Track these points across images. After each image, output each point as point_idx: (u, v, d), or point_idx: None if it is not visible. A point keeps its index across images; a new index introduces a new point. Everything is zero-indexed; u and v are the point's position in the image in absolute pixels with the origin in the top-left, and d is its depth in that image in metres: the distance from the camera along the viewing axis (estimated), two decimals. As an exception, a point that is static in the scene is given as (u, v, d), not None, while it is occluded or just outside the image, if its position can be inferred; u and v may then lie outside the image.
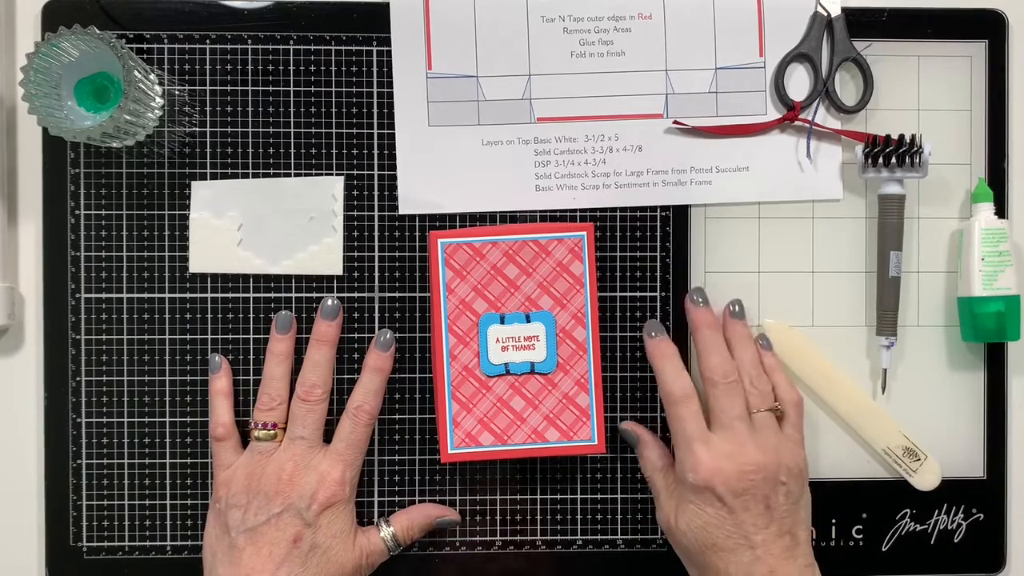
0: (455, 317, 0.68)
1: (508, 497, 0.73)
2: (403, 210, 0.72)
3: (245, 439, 0.70)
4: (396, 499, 0.72)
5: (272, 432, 0.68)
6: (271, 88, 0.72)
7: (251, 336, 0.72)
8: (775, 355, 0.72)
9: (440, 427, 0.69)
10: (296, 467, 0.66)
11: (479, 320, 0.68)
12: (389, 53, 0.72)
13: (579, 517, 0.73)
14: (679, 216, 0.73)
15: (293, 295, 0.72)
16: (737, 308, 0.71)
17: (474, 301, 0.68)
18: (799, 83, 0.73)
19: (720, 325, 0.71)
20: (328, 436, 0.69)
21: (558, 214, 0.73)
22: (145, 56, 0.71)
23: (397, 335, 0.72)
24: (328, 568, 0.66)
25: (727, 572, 0.64)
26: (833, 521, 0.74)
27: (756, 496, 0.64)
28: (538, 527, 0.73)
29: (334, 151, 0.72)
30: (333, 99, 0.72)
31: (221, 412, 0.70)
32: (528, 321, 0.68)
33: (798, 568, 0.65)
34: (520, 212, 0.72)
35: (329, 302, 0.70)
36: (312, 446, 0.68)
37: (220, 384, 0.70)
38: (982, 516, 0.74)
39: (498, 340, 0.68)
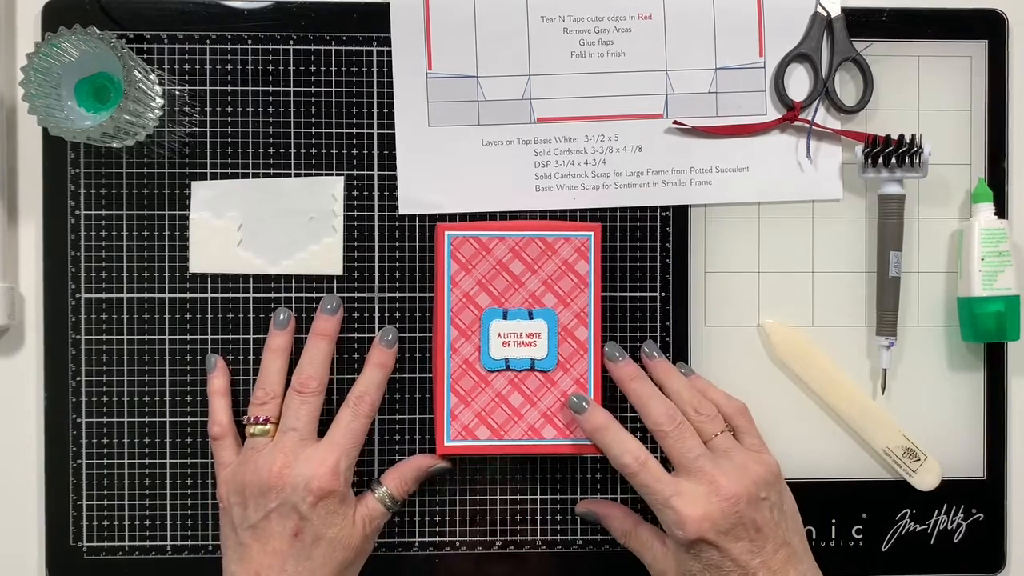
0: (458, 310, 0.68)
1: (508, 497, 0.73)
2: (403, 210, 0.72)
3: (245, 439, 0.70)
4: (396, 499, 0.72)
5: (266, 427, 0.68)
6: (271, 88, 0.72)
7: (251, 336, 0.72)
8: (699, 375, 0.72)
9: (437, 419, 0.69)
10: (287, 459, 0.66)
11: (482, 315, 0.68)
12: (389, 53, 0.72)
13: (579, 517, 0.73)
14: (679, 216, 0.73)
15: (293, 295, 0.72)
16: (650, 350, 0.71)
17: (478, 295, 0.68)
18: (799, 83, 0.73)
19: (644, 374, 0.69)
20: (323, 433, 0.69)
21: (558, 214, 0.73)
22: (145, 56, 0.71)
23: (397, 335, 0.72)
24: (335, 554, 0.65)
25: None
26: (833, 521, 0.74)
27: (745, 524, 0.63)
28: (538, 527, 0.73)
29: (334, 151, 0.72)
30: (333, 99, 0.72)
31: (218, 411, 0.69)
32: (531, 318, 0.68)
33: (800, 574, 0.64)
34: (520, 212, 0.72)
35: (330, 298, 0.70)
36: (304, 438, 0.67)
37: (217, 384, 0.70)
38: (982, 516, 0.74)
39: (500, 335, 0.68)
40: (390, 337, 0.71)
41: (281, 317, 0.70)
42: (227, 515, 0.67)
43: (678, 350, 0.73)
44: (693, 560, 0.64)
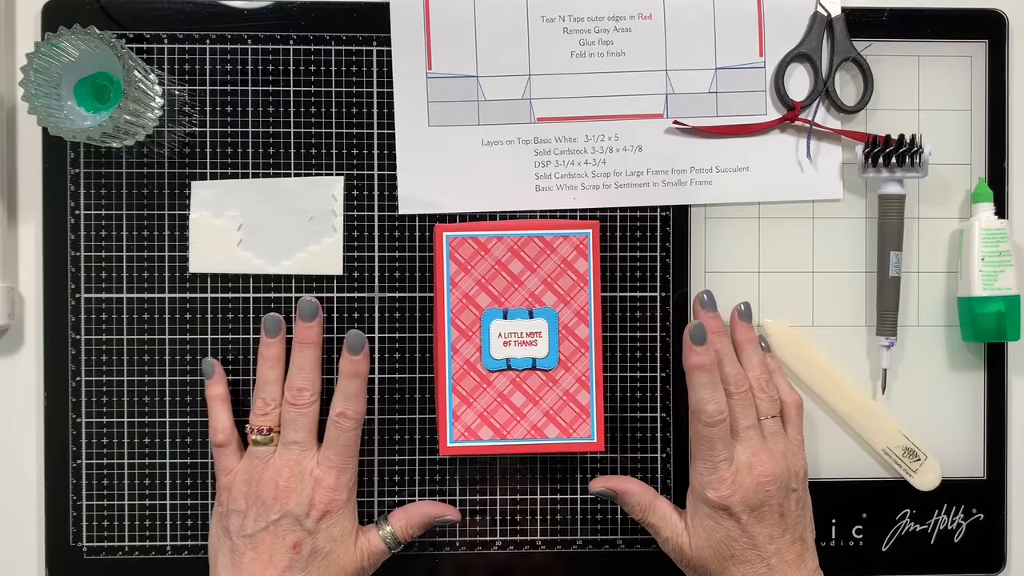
0: (458, 311, 0.68)
1: (508, 497, 0.73)
2: (403, 210, 0.72)
3: (246, 442, 0.70)
4: (396, 499, 0.72)
5: (269, 436, 0.68)
6: (271, 88, 0.72)
7: (251, 336, 0.72)
8: (775, 357, 0.72)
9: (440, 420, 0.69)
10: (292, 473, 0.66)
11: (482, 315, 0.68)
12: (389, 53, 0.72)
13: (579, 517, 0.73)
14: (679, 216, 0.73)
15: (293, 295, 0.72)
16: (745, 309, 0.71)
17: (477, 295, 0.68)
18: (799, 83, 0.73)
19: (727, 331, 0.71)
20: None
21: (558, 214, 0.73)
22: (145, 56, 0.71)
23: (397, 335, 0.72)
24: (330, 572, 0.66)
25: None
26: (833, 521, 0.74)
27: (772, 507, 0.65)
28: (538, 527, 0.73)
29: (334, 151, 0.72)
30: (333, 99, 0.72)
31: (220, 417, 0.69)
32: (531, 317, 0.68)
33: (808, 573, 0.65)
34: (520, 212, 0.72)
35: (304, 303, 0.69)
36: (306, 450, 0.67)
37: (217, 390, 0.70)
38: (982, 516, 0.74)
39: (500, 335, 0.68)
40: (354, 342, 0.69)
41: (271, 325, 0.69)
42: (223, 520, 0.67)
43: (678, 350, 0.73)
44: (714, 527, 0.66)
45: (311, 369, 0.69)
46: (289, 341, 0.70)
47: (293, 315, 0.71)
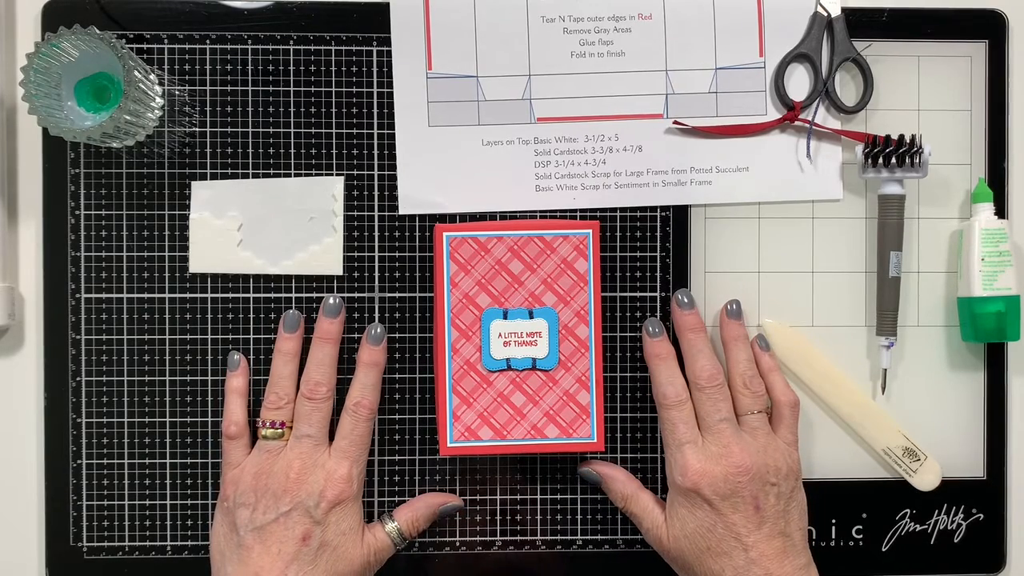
0: (458, 311, 0.68)
1: (508, 496, 0.73)
2: (403, 210, 0.72)
3: (255, 440, 0.70)
4: (397, 499, 0.72)
5: (280, 431, 0.68)
6: (271, 88, 0.72)
7: (251, 336, 0.72)
8: (773, 356, 0.72)
9: (440, 420, 0.69)
10: (303, 465, 0.66)
11: (482, 315, 0.68)
12: (389, 53, 0.72)
13: (579, 517, 0.73)
14: (679, 216, 0.73)
15: (293, 295, 0.72)
16: (734, 307, 0.71)
17: (477, 296, 0.68)
18: (799, 83, 0.73)
19: (705, 328, 0.71)
20: (331, 435, 0.69)
21: (558, 214, 0.73)
22: (145, 56, 0.71)
23: (397, 335, 0.72)
24: (337, 566, 0.66)
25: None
26: (833, 521, 0.74)
27: (744, 498, 0.65)
28: (538, 527, 0.73)
29: (334, 151, 0.72)
30: (333, 99, 0.72)
31: (235, 410, 0.70)
32: (531, 317, 0.68)
33: (794, 569, 0.65)
34: (520, 212, 0.72)
35: (331, 300, 0.70)
36: (318, 444, 0.67)
37: (237, 382, 0.70)
38: (982, 516, 0.74)
39: (500, 335, 0.68)
40: (377, 332, 0.70)
41: (291, 321, 0.70)
42: (229, 515, 0.67)
43: (679, 350, 0.73)
44: (689, 516, 0.66)
45: (329, 365, 0.69)
46: (305, 340, 0.71)
47: (317, 313, 0.71)
